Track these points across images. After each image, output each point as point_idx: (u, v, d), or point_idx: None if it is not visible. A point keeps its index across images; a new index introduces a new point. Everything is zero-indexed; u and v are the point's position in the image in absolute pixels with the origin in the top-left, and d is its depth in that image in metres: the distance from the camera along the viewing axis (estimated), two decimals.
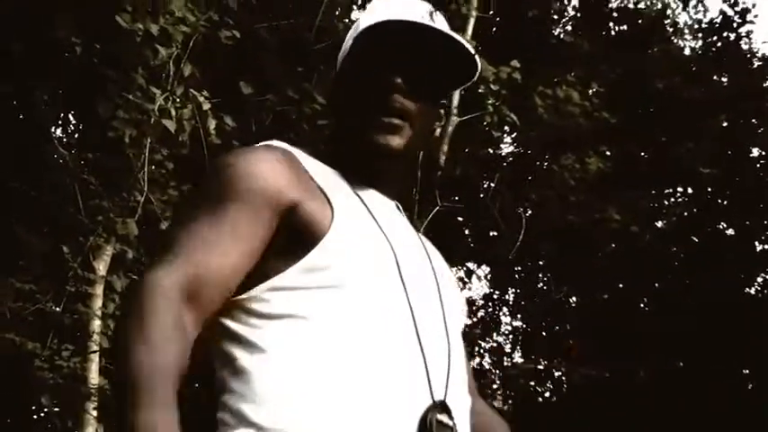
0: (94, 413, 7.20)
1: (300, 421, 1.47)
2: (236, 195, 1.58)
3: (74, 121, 9.13)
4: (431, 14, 1.75)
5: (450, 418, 1.58)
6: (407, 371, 1.57)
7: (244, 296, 1.58)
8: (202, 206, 1.59)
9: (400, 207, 1.85)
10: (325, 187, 1.65)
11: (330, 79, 1.90)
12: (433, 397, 1.57)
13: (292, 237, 1.58)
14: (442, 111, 1.88)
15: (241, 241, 1.56)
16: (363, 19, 1.79)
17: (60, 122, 8.86)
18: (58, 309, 7.20)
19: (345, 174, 1.75)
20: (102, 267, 7.43)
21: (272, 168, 1.62)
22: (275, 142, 1.73)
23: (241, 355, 1.55)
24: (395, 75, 1.72)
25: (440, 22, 1.76)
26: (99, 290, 7.39)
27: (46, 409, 7.37)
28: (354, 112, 1.75)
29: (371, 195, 1.75)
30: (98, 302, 7.36)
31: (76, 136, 8.87)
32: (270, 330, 1.54)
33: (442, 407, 1.57)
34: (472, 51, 1.76)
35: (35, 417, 8.79)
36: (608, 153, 11.89)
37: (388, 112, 1.72)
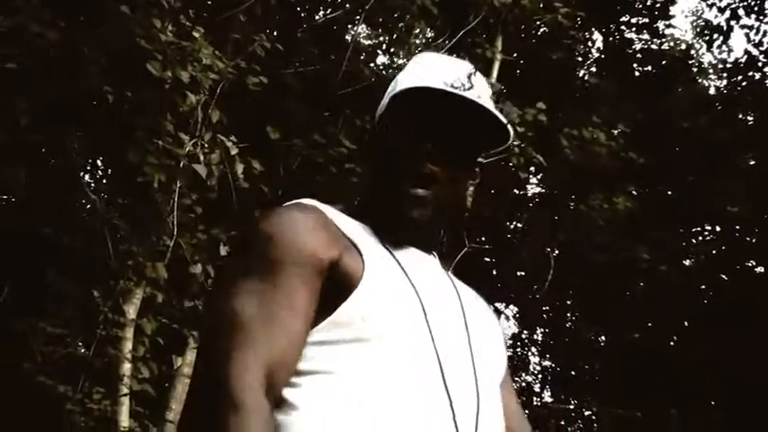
0: None
1: None
2: (284, 267, 1.57)
3: (102, 167, 9.25)
4: (469, 77, 1.75)
5: None
6: (435, 428, 1.54)
7: None
8: (255, 279, 1.56)
9: (436, 256, 1.84)
10: (357, 242, 1.65)
11: (367, 132, 1.89)
12: None
13: (329, 292, 1.57)
14: (478, 169, 1.86)
15: (301, 313, 1.55)
16: (402, 79, 1.80)
17: (89, 168, 8.97)
18: (88, 352, 7.23)
19: (378, 229, 1.74)
20: (132, 311, 7.48)
21: (312, 231, 1.61)
22: (306, 201, 1.72)
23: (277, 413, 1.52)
24: (426, 141, 1.72)
25: (478, 83, 1.75)
26: (129, 333, 7.43)
27: None
28: (385, 179, 1.76)
29: (405, 249, 1.73)
30: (128, 346, 7.40)
31: (104, 181, 8.98)
32: (301, 387, 1.52)
33: None
34: (503, 120, 1.74)
35: None
36: (635, 193, 11.88)
37: (416, 180, 1.71)
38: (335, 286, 1.57)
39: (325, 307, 1.56)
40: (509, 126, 1.75)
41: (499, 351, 1.81)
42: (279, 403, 1.51)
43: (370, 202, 1.80)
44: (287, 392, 1.51)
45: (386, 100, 1.82)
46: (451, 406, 1.57)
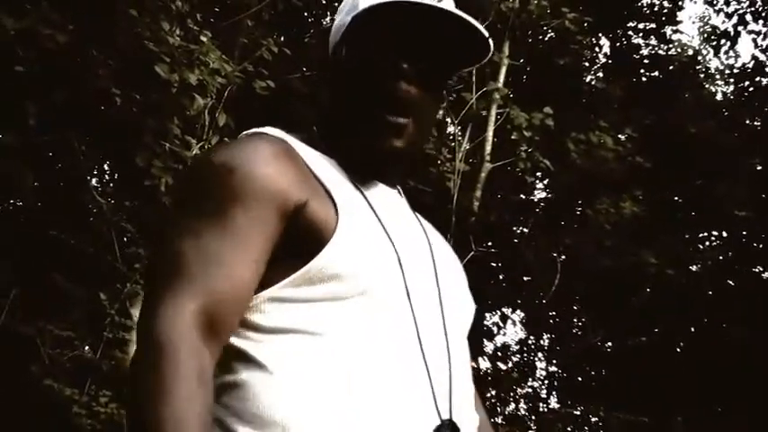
0: None
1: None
2: (240, 202, 1.44)
3: (110, 170, 9.27)
4: None
5: None
6: (413, 390, 1.49)
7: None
8: (203, 215, 1.44)
9: (401, 192, 1.75)
10: (326, 182, 1.53)
11: (323, 58, 1.72)
12: (440, 416, 1.50)
13: (295, 240, 1.45)
14: (445, 92, 1.73)
15: (252, 253, 1.43)
16: None
17: (97, 171, 8.99)
18: (95, 355, 7.25)
19: (344, 165, 1.62)
20: (138, 314, 7.50)
21: (276, 167, 1.48)
22: (269, 129, 1.60)
23: (238, 370, 1.43)
24: (401, 60, 1.58)
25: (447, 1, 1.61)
26: (136, 336, 7.45)
27: None
28: (356, 105, 1.61)
29: (373, 187, 1.64)
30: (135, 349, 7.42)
31: (111, 185, 9.01)
32: (269, 346, 1.43)
33: (450, 426, 1.51)
34: (484, 32, 1.61)
35: None
36: (642, 197, 11.88)
37: (392, 106, 1.58)
38: (302, 235, 1.45)
39: (293, 257, 1.45)
40: (487, 36, 1.61)
41: (467, 301, 1.74)
42: (233, 358, 1.43)
43: (336, 133, 1.64)
44: (249, 349, 1.43)
45: (345, 19, 1.64)
46: (428, 371, 1.51)
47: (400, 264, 1.54)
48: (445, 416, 1.50)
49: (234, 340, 1.44)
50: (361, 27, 1.60)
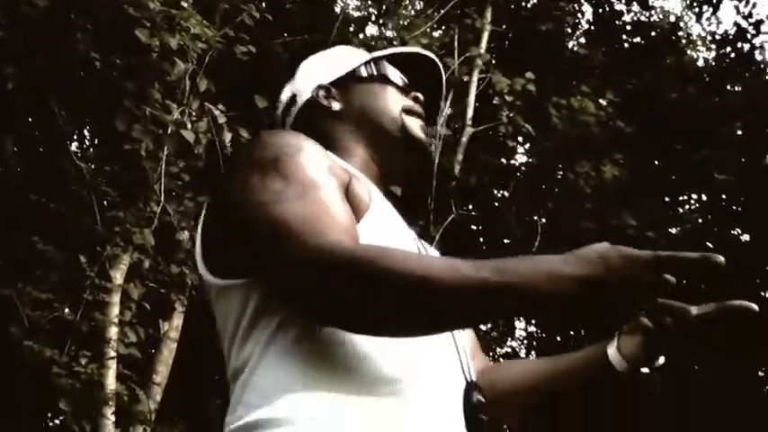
0: (112, 418, 7.32)
1: (337, 405, 1.45)
2: (321, 171, 1.57)
3: (89, 135, 9.28)
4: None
5: (483, 396, 1.66)
6: (444, 353, 1.64)
7: None
8: (295, 185, 1.52)
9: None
10: (354, 172, 1.73)
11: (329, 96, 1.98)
12: (466, 377, 1.67)
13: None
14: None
15: (343, 201, 1.57)
16: (357, 55, 2.05)
17: (77, 136, 9.00)
18: (75, 317, 7.30)
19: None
20: (118, 276, 7.55)
21: (321, 150, 1.65)
22: (292, 131, 1.76)
23: (266, 338, 1.53)
24: (416, 90, 2.02)
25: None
26: (116, 298, 7.51)
27: (63, 416, 7.49)
28: (387, 104, 1.96)
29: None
30: (115, 310, 7.47)
31: (91, 150, 9.02)
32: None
33: (474, 386, 1.66)
34: (435, 59, 2.09)
35: (53, 423, 8.95)
36: (623, 161, 11.94)
37: (417, 115, 1.98)
38: (352, 206, 1.59)
39: None
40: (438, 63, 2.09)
41: None
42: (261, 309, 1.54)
43: (353, 140, 1.93)
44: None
45: (355, 64, 2.00)
46: (453, 335, 1.69)
47: (418, 245, 1.77)
48: (468, 377, 1.68)
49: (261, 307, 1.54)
50: (379, 68, 2.01)
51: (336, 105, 1.95)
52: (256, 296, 1.55)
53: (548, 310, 1.44)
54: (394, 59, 2.04)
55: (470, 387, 1.65)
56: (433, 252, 1.93)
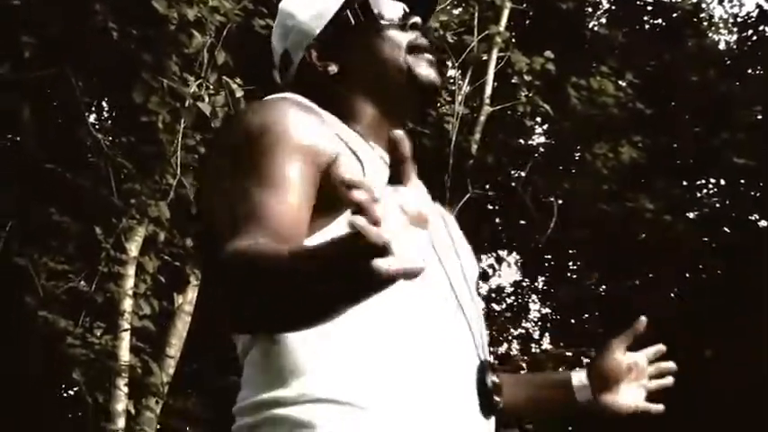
0: (125, 389, 7.34)
1: (348, 385, 1.45)
2: (284, 157, 1.51)
3: (107, 106, 9.27)
4: None
5: (497, 376, 1.64)
6: (457, 333, 1.60)
7: None
8: (250, 175, 1.50)
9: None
10: (349, 142, 1.63)
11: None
12: (480, 357, 1.63)
13: (330, 193, 1.52)
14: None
15: (296, 194, 1.49)
16: None
17: (94, 107, 8.99)
18: (90, 288, 7.31)
19: (358, 131, 1.73)
20: (134, 248, 7.56)
21: (306, 125, 1.58)
22: (289, 95, 1.69)
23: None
24: (413, 16, 1.85)
25: None
26: (131, 270, 7.52)
27: (77, 386, 7.52)
28: (388, 54, 1.80)
29: (382, 152, 1.72)
30: (129, 282, 7.49)
31: (110, 121, 9.02)
32: None
33: (487, 365, 1.64)
34: None
35: (67, 393, 8.99)
36: (641, 143, 11.87)
37: (422, 49, 1.82)
38: (333, 190, 1.51)
39: (330, 208, 1.52)
40: None
41: (474, 261, 1.85)
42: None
43: (352, 88, 1.81)
44: None
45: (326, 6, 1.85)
46: (466, 317, 1.64)
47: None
48: (482, 357, 1.64)
49: None
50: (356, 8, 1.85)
51: (333, 67, 1.82)
52: None
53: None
54: None
55: (484, 366, 1.63)
56: (452, 222, 1.86)
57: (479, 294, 2.03)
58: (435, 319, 1.56)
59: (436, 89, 1.84)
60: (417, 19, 1.84)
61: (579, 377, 1.96)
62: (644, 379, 2.01)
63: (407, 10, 1.86)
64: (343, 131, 1.66)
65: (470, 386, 1.58)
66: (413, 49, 1.81)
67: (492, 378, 1.61)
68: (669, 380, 2.02)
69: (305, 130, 1.56)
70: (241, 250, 1.34)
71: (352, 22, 1.83)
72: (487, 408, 1.60)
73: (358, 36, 1.83)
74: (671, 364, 2.00)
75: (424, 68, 1.80)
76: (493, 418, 1.63)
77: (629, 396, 1.99)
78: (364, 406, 1.44)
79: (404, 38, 1.81)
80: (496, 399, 1.61)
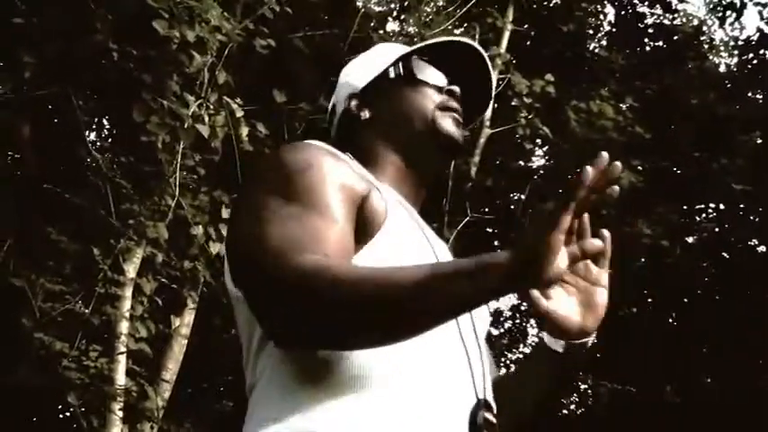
0: (120, 414, 7.27)
1: (347, 417, 1.47)
2: (330, 190, 1.57)
3: (107, 126, 9.23)
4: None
5: (494, 415, 1.63)
6: (455, 369, 1.61)
7: None
8: (303, 204, 1.54)
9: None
10: (372, 181, 1.71)
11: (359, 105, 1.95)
12: (477, 395, 1.62)
13: (360, 227, 1.59)
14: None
15: (345, 223, 1.56)
16: (389, 54, 1.96)
17: (94, 126, 8.95)
18: (86, 310, 7.24)
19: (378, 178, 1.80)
20: (131, 270, 7.49)
21: (342, 164, 1.65)
22: (315, 142, 1.73)
23: (286, 356, 1.54)
24: (451, 84, 1.93)
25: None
26: (128, 292, 7.45)
27: (72, 409, 7.43)
28: (417, 104, 1.88)
29: (401, 198, 1.80)
30: (126, 304, 7.41)
31: (110, 140, 8.97)
32: None
33: (486, 405, 1.62)
34: (492, 82, 2.00)
35: (61, 416, 8.89)
36: (640, 168, 11.85)
37: (452, 110, 1.89)
38: (366, 221, 1.60)
39: (359, 241, 1.58)
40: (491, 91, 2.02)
41: (485, 308, 1.87)
42: None
43: (387, 162, 1.87)
44: None
45: (387, 63, 1.93)
46: (467, 353, 1.65)
47: (435, 255, 1.69)
48: (482, 396, 1.63)
49: None
50: (412, 63, 1.94)
51: (367, 113, 1.91)
52: None
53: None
54: (432, 52, 1.96)
55: (478, 405, 1.61)
56: (447, 255, 1.85)
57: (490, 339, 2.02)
58: (437, 352, 1.58)
59: (459, 146, 1.89)
60: (456, 88, 1.92)
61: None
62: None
63: (449, 79, 1.94)
64: (367, 174, 1.74)
65: (463, 425, 1.58)
66: (443, 107, 1.89)
67: (483, 416, 1.60)
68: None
69: (342, 167, 1.63)
70: (324, 263, 1.40)
71: (392, 75, 1.92)
72: None
73: (395, 87, 1.92)
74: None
75: (450, 125, 1.87)
76: None
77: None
78: None
79: (437, 97, 1.90)
80: None
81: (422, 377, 1.53)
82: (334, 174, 1.60)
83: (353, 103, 1.93)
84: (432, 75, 1.93)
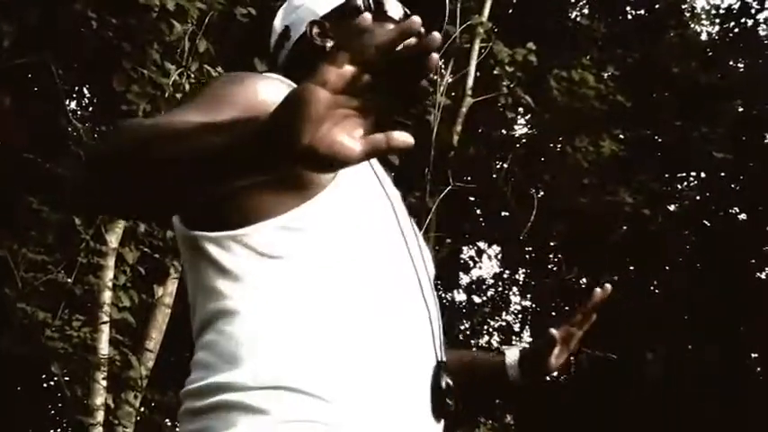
0: (104, 383, 7.26)
1: (303, 373, 1.41)
2: (234, 101, 1.45)
3: (88, 95, 9.18)
4: None
5: (451, 378, 1.59)
6: (417, 328, 1.57)
7: (245, 230, 1.48)
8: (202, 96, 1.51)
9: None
10: None
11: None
12: (437, 357, 1.59)
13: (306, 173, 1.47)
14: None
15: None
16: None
17: (75, 95, 8.90)
18: (69, 279, 7.22)
19: None
20: (113, 240, 7.47)
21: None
22: (272, 74, 1.71)
23: (235, 295, 1.47)
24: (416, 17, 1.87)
25: None
26: (110, 262, 7.43)
27: (56, 378, 7.43)
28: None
29: None
30: (109, 274, 7.40)
31: (90, 109, 8.93)
32: (275, 272, 1.46)
33: (444, 366, 1.60)
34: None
35: (45, 385, 8.90)
36: (622, 136, 11.86)
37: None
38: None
39: (303, 188, 1.50)
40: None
41: (430, 258, 1.81)
42: (213, 268, 1.50)
43: None
44: (250, 272, 1.47)
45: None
46: (429, 312, 1.61)
47: (393, 207, 1.66)
48: (441, 358, 1.60)
49: (233, 263, 1.48)
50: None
51: (329, 44, 1.82)
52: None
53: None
54: None
55: (440, 368, 1.58)
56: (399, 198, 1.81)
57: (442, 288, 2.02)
58: (400, 311, 1.55)
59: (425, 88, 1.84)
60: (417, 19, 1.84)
61: (512, 358, 2.07)
62: (572, 343, 2.14)
63: (409, 12, 1.86)
64: None
65: (425, 386, 1.55)
66: None
67: (446, 380, 1.57)
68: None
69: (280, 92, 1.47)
70: (137, 120, 1.33)
71: (362, 8, 1.81)
72: (439, 411, 1.56)
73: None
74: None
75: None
76: (443, 422, 1.58)
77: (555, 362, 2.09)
78: (318, 395, 1.40)
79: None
80: (449, 402, 1.57)
81: (385, 334, 1.50)
82: (268, 92, 1.49)
83: (315, 30, 1.85)
84: (398, 10, 1.87)
